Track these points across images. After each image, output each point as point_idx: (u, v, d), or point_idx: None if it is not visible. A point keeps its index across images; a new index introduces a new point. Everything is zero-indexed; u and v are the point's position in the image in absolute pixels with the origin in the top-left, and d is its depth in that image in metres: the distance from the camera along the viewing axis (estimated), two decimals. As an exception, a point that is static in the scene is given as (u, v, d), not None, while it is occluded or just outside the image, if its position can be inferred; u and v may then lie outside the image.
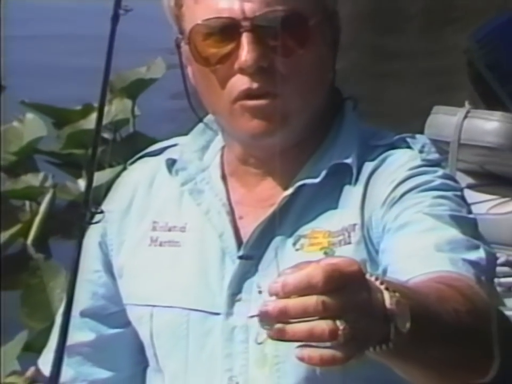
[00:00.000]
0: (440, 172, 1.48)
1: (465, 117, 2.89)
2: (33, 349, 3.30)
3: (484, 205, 2.88)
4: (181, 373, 1.47)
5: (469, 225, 1.44)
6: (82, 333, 1.52)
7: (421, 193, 1.44)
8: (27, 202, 4.65)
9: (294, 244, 1.44)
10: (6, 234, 4.07)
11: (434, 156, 1.51)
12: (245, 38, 1.40)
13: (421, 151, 1.48)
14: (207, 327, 1.45)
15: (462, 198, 1.48)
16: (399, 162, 1.46)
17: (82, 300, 1.50)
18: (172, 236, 1.48)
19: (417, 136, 1.52)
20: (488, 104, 3.10)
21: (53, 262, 3.84)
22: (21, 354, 3.25)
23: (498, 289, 3.02)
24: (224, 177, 1.48)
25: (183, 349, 1.46)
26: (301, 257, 1.39)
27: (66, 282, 1.47)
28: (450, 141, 2.89)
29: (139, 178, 1.53)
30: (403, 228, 1.40)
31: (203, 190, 1.48)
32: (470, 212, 1.48)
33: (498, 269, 3.04)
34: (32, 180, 4.65)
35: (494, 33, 3.19)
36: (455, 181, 1.52)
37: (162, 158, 1.51)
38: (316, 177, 1.44)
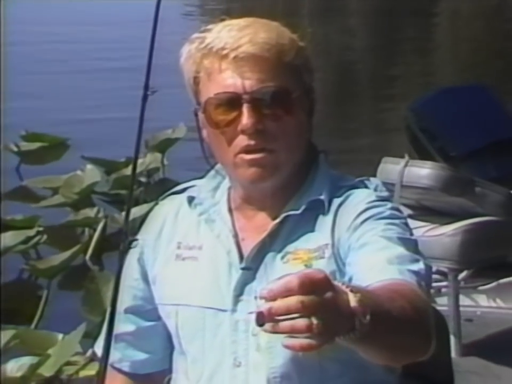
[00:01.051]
0: (389, 205, 1.45)
1: (406, 165, 2.88)
2: (90, 336, 3.26)
3: (421, 229, 2.87)
4: (199, 355, 1.45)
5: (411, 245, 1.40)
6: (126, 325, 1.50)
7: (376, 221, 1.41)
8: (86, 229, 4.62)
9: (282, 258, 1.42)
10: (69, 252, 4.05)
11: (385, 193, 1.49)
12: (245, 108, 1.39)
13: (375, 190, 1.46)
14: (218, 320, 1.43)
15: (406, 224, 1.44)
16: (360, 198, 1.44)
17: (126, 300, 1.49)
18: (192, 253, 1.47)
19: (372, 179, 1.51)
20: (421, 156, 3.09)
21: (105, 272, 3.82)
22: (81, 340, 3.19)
23: (432, 291, 3.00)
24: (230, 210, 1.47)
25: (201, 337, 1.44)
26: (287, 269, 1.38)
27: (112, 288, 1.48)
28: (395, 183, 2.88)
29: (168, 210, 1.52)
30: (363, 247, 1.38)
31: (215, 220, 1.47)
32: (412, 234, 1.43)
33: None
34: (89, 212, 4.63)
35: (424, 106, 3.20)
36: (400, 211, 1.48)
37: (184, 196, 1.50)
38: (297, 209, 1.43)
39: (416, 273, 1.34)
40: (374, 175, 2.97)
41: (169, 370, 1.51)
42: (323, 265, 1.38)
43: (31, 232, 4.24)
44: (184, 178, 5.01)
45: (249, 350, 1.41)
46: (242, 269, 1.42)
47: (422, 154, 3.00)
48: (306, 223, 1.43)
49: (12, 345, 3.25)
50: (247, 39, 1.38)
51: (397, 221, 1.41)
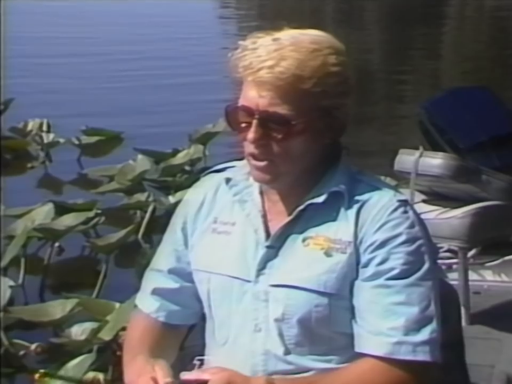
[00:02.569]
0: (409, 220, 1.40)
1: (420, 156, 2.87)
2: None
3: (433, 213, 2.86)
4: (226, 319, 1.45)
5: (420, 294, 1.36)
6: (168, 281, 1.51)
7: (393, 255, 1.37)
8: (138, 211, 4.63)
9: (303, 241, 1.41)
10: (124, 231, 4.07)
11: (403, 196, 1.44)
12: (254, 123, 1.38)
13: (394, 194, 1.43)
14: (243, 289, 1.43)
15: (421, 245, 1.39)
16: (382, 202, 1.41)
17: (170, 261, 1.51)
18: (225, 228, 1.47)
19: (387, 179, 1.50)
20: (433, 148, 3.08)
21: (155, 249, 3.83)
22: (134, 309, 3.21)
23: (443, 267, 2.99)
24: (261, 193, 1.46)
25: (228, 303, 1.44)
26: (307, 251, 1.39)
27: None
28: (411, 172, 2.88)
29: (208, 187, 1.51)
30: (376, 289, 1.37)
31: (247, 200, 1.46)
32: (432, 252, 1.40)
33: (443, 254, 3.02)
34: (141, 197, 4.64)
35: (434, 104, 3.20)
36: (420, 223, 1.42)
37: (223, 175, 1.49)
38: (319, 199, 1.41)
39: (420, 343, 1.32)
40: (391, 165, 2.97)
41: (194, 326, 1.56)
42: (344, 260, 1.38)
43: (91, 214, 4.26)
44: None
45: (268, 318, 1.41)
46: (267, 247, 1.42)
47: (433, 146, 2.99)
48: (327, 211, 1.41)
49: (76, 312, 3.27)
50: (268, 65, 1.35)
51: (412, 247, 1.37)
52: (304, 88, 1.35)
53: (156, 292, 1.50)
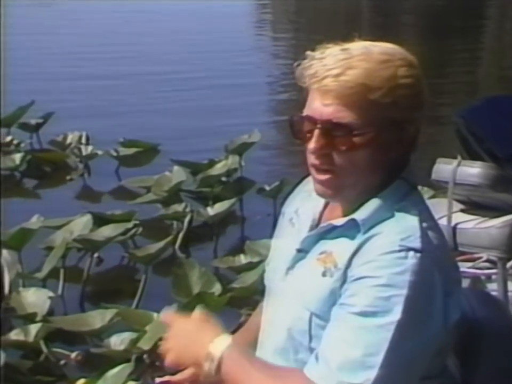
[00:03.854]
0: (401, 267, 1.31)
1: (458, 165, 2.85)
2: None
3: (472, 222, 2.83)
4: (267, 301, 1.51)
5: (370, 341, 1.29)
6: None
7: (362, 293, 1.32)
8: (175, 222, 4.66)
9: (320, 254, 1.42)
10: (163, 242, 4.09)
11: (411, 243, 1.33)
12: (316, 133, 1.36)
13: (402, 238, 1.33)
14: (275, 286, 1.51)
15: (402, 296, 1.30)
16: (382, 242, 1.35)
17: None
18: (296, 220, 1.50)
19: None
20: (471, 157, 3.04)
21: (191, 260, 3.86)
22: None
23: (482, 277, 2.95)
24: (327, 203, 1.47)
25: (267, 296, 1.53)
26: (316, 265, 1.42)
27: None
28: (448, 181, 2.85)
29: (302, 189, 1.53)
30: (335, 318, 1.35)
31: (312, 199, 1.48)
32: (417, 309, 1.30)
33: (482, 264, 2.98)
34: (178, 207, 4.67)
35: (472, 113, 3.17)
36: (420, 275, 1.31)
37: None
38: (340, 221, 1.41)
39: (332, 379, 1.29)
40: (429, 175, 2.94)
41: None
42: (329, 283, 1.38)
43: (129, 225, 4.29)
44: (258, 176, 5.00)
45: (277, 315, 1.46)
46: (297, 249, 1.45)
47: (472, 155, 2.95)
48: (348, 233, 1.39)
49: (115, 322, 3.30)
50: (333, 73, 1.33)
51: (385, 294, 1.30)
52: (371, 99, 1.32)
53: None
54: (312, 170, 1.39)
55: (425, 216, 1.39)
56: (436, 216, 1.44)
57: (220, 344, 1.37)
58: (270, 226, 4.50)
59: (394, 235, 1.35)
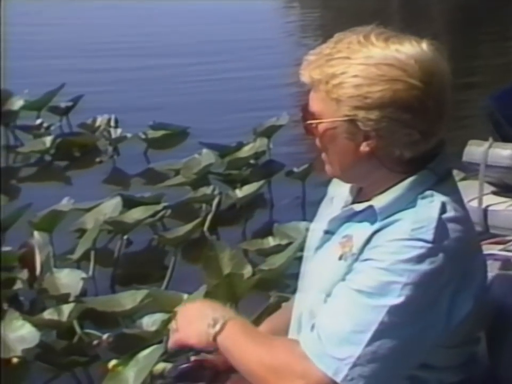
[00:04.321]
0: (407, 255, 1.32)
1: (490, 147, 2.82)
2: (210, 296, 3.29)
3: (503, 204, 2.81)
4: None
5: (360, 317, 1.31)
6: None
7: (365, 272, 1.34)
8: (203, 205, 4.66)
9: (343, 237, 1.42)
10: (191, 225, 4.10)
11: (423, 234, 1.33)
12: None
13: (413, 229, 1.34)
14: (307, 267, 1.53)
15: (402, 284, 1.31)
16: (395, 229, 1.36)
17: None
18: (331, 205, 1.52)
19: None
20: (504, 139, 3.02)
21: (221, 241, 3.88)
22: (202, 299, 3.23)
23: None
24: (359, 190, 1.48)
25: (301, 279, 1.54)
26: (336, 248, 1.43)
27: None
28: (480, 163, 2.83)
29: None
30: (337, 289, 1.37)
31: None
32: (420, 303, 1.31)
33: (515, 246, 2.95)
34: (206, 190, 4.67)
35: (505, 95, 3.14)
36: (427, 266, 1.31)
37: None
38: (359, 206, 1.43)
39: (318, 347, 1.32)
40: (459, 156, 2.91)
41: None
42: (342, 267, 1.39)
43: (158, 207, 4.31)
44: (287, 159, 4.99)
45: (302, 294, 1.49)
46: (324, 231, 1.47)
47: (504, 137, 2.92)
48: (369, 219, 1.40)
49: (145, 303, 3.32)
50: (309, 65, 1.39)
51: (386, 278, 1.31)
52: (325, 92, 1.36)
53: None
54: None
55: (451, 206, 1.37)
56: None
57: (225, 312, 1.43)
58: (299, 209, 4.60)
59: (408, 224, 1.35)
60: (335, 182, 1.53)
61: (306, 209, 4.61)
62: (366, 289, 1.32)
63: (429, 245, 1.32)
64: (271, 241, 3.95)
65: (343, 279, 1.37)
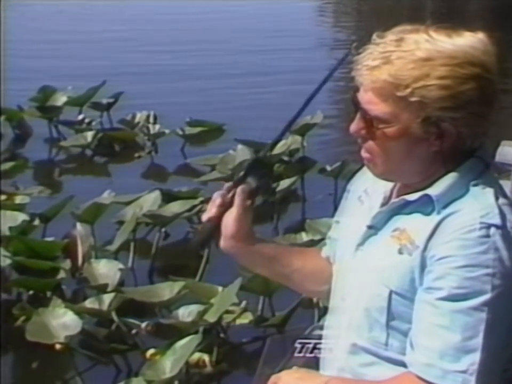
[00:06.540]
0: (485, 246, 1.27)
1: (522, 147, 2.80)
2: (244, 289, 3.32)
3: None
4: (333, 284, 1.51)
5: (466, 323, 1.25)
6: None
7: (448, 275, 1.28)
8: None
9: (393, 231, 1.38)
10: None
11: (492, 219, 1.30)
12: (357, 116, 1.40)
13: (482, 215, 1.30)
14: (347, 258, 1.47)
15: (490, 275, 1.26)
16: (462, 219, 1.30)
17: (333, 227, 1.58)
18: (364, 198, 1.48)
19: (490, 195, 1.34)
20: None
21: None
22: (237, 292, 3.23)
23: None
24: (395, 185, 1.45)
25: (336, 273, 1.51)
26: (390, 242, 1.38)
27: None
28: (513, 164, 2.81)
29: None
30: (424, 304, 1.30)
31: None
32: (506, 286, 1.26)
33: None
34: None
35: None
36: (505, 251, 1.28)
37: None
38: (413, 196, 1.38)
39: (436, 368, 1.26)
40: (492, 157, 2.89)
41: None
42: (407, 261, 1.34)
43: (195, 202, 4.33)
44: (320, 156, 4.96)
45: (351, 291, 1.43)
46: (367, 226, 1.42)
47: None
48: (422, 209, 1.36)
49: (182, 294, 3.35)
50: (367, 64, 1.33)
51: (472, 274, 1.26)
52: (399, 95, 1.31)
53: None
54: (362, 150, 1.39)
55: (500, 193, 1.35)
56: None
57: (323, 376, 1.39)
58: (331, 205, 4.58)
59: (474, 212, 1.31)
60: (359, 179, 1.50)
61: (338, 206, 4.59)
62: (459, 291, 1.27)
63: (500, 230, 1.30)
64: (304, 237, 3.95)
65: (412, 274, 1.32)
